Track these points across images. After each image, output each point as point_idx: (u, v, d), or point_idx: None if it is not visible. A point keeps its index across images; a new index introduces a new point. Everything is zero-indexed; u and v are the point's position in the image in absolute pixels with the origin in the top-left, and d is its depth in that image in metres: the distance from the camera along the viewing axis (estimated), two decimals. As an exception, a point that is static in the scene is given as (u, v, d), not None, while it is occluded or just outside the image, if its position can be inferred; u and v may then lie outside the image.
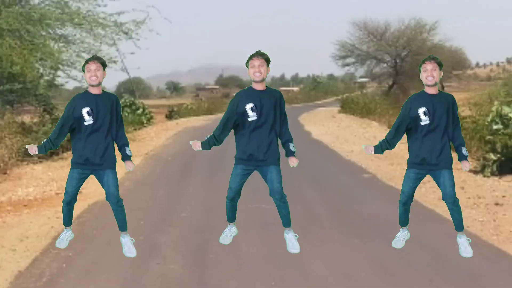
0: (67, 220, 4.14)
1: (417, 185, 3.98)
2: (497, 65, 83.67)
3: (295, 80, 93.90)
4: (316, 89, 49.53)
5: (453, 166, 3.98)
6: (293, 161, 3.95)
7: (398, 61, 27.94)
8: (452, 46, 30.64)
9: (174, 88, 76.11)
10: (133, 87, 37.82)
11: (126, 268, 4.99)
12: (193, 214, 6.88)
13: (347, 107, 24.98)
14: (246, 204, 5.94)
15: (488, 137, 9.16)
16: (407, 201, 4.00)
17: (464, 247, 3.94)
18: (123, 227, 4.11)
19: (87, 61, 3.90)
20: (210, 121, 22.99)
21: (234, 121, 3.91)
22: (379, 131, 15.65)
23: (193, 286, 4.77)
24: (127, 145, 4.05)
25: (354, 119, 21.80)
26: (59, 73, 11.96)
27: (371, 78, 34.98)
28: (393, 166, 9.80)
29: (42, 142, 3.94)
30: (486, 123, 9.69)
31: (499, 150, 8.81)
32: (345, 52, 29.61)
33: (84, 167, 3.91)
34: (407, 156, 4.07)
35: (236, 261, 5.09)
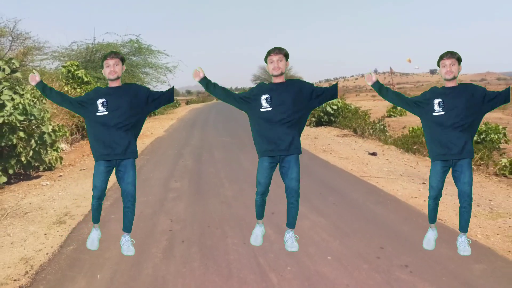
0: (96, 216, 3.88)
1: (445, 178, 3.71)
2: (314, 83, 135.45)
3: (237, 89, 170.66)
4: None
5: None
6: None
7: None
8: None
9: (188, 92, 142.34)
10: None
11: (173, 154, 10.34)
12: (196, 141, 13.46)
13: None
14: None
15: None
16: (437, 195, 3.77)
17: (463, 247, 3.82)
18: (128, 228, 3.93)
19: (105, 57, 3.65)
20: (203, 105, 50.40)
21: (241, 100, 3.63)
22: None
23: (195, 169, 8.36)
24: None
25: None
26: None
27: None
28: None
29: (47, 86, 3.73)
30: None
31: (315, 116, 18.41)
32: (255, 78, 62.49)
33: (107, 157, 3.60)
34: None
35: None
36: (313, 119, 19.08)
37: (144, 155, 11.06)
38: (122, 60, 3.74)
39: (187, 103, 60.13)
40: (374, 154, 10.86)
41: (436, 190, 3.74)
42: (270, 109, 3.56)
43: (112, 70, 3.65)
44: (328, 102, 17.88)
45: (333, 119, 18.61)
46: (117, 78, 3.67)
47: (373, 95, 62.65)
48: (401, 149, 11.40)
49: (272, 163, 3.68)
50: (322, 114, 18.85)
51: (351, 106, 20.08)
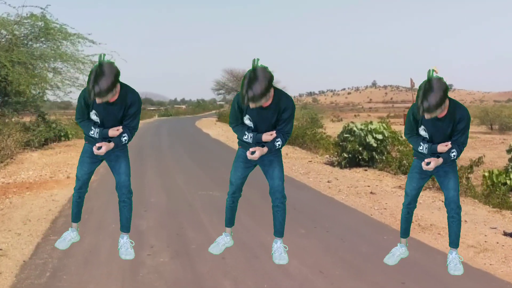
0: (76, 213, 4.64)
1: (422, 185, 4.55)
2: (294, 97, 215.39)
3: (183, 101, 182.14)
4: (199, 107, 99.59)
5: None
6: (258, 151, 4.38)
7: None
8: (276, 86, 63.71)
9: None
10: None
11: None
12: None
13: (222, 118, 46.25)
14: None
15: (341, 142, 16.79)
16: (410, 203, 4.59)
17: (454, 264, 4.45)
18: (126, 227, 4.58)
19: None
20: (141, 124, 44.44)
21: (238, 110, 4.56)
22: None
23: None
24: (128, 133, 4.48)
25: (227, 126, 41.09)
26: (47, 91, 21.28)
27: (225, 102, 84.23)
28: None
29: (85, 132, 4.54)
30: (338, 133, 19.42)
31: (349, 151, 15.84)
32: (219, 86, 65.73)
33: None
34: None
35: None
36: (344, 155, 16.37)
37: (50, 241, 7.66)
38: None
39: None
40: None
41: (409, 197, 4.59)
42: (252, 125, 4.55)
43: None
44: (369, 129, 16.21)
45: (377, 157, 16.16)
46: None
47: (379, 116, 62.14)
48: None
49: (248, 162, 4.59)
50: (359, 148, 16.08)
51: (400, 135, 17.36)
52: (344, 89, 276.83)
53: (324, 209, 9.80)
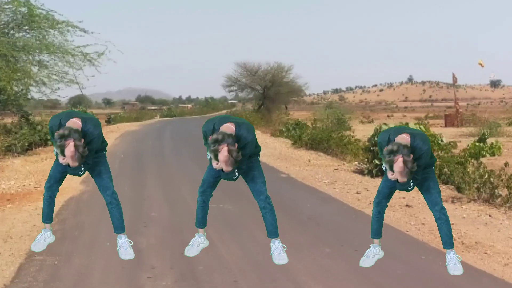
0: (47, 214, 5.17)
1: (395, 186, 4.94)
2: (317, 95, 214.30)
3: (189, 99, 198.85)
4: (207, 106, 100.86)
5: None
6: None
7: (265, 90, 57.45)
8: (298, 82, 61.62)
9: (108, 103, 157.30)
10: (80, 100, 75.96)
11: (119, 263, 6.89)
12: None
13: None
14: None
15: (372, 147, 16.66)
16: (380, 201, 5.19)
17: (453, 264, 5.05)
18: (120, 227, 5.14)
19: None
20: (141, 126, 45.27)
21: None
22: (266, 138, 29.45)
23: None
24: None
25: None
26: (32, 88, 21.34)
27: (238, 100, 79.69)
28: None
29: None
30: (368, 137, 19.47)
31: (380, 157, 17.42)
32: (231, 82, 61.80)
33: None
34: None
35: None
36: (376, 162, 16.33)
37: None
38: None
39: (108, 122, 54.30)
40: None
41: (381, 194, 5.21)
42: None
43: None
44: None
45: (413, 165, 15.37)
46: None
47: (416, 117, 63.08)
48: None
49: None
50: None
51: (441, 139, 18.26)
52: (375, 85, 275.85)
53: (352, 225, 9.83)
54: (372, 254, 5.33)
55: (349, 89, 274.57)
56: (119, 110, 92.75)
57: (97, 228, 9.34)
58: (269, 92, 57.52)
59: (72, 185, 13.51)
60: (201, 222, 5.44)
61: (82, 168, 4.87)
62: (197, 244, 5.48)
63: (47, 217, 5.21)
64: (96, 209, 10.44)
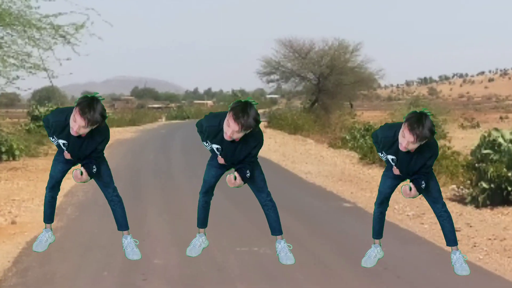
0: (49, 214, 6.66)
1: (396, 185, 6.49)
2: (397, 87, 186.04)
3: (208, 93, 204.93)
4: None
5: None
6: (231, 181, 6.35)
7: (321, 80, 56.06)
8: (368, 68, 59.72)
9: None
10: (50, 95, 66.90)
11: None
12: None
13: (275, 121, 50.40)
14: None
15: (478, 164, 16.83)
16: (382, 202, 6.63)
17: (460, 264, 6.48)
18: (123, 225, 6.59)
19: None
20: (138, 133, 45.48)
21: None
22: (322, 149, 30.38)
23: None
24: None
25: (284, 134, 41.31)
26: None
27: (281, 94, 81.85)
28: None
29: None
30: (472, 148, 18.21)
31: (491, 178, 16.04)
32: (270, 68, 60.15)
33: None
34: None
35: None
36: (483, 185, 16.60)
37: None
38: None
39: None
40: None
41: (382, 195, 6.60)
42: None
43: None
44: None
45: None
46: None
47: None
48: None
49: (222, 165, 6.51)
50: (508, 174, 16.49)
51: None
52: (482, 72, 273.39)
53: (449, 277, 9.75)
54: (374, 254, 6.74)
55: (444, 78, 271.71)
56: (108, 110, 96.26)
57: (74, 282, 9.68)
58: (327, 82, 55.88)
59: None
60: (203, 222, 6.81)
61: (94, 167, 6.16)
62: (199, 244, 6.78)
63: (49, 217, 6.64)
64: (73, 256, 10.74)
